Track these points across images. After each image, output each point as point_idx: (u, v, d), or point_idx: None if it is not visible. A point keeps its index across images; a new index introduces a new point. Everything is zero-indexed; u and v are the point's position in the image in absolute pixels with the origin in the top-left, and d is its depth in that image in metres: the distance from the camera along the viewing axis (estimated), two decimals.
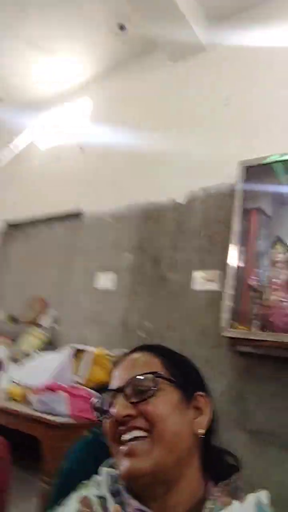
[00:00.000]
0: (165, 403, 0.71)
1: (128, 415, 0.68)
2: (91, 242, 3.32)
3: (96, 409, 0.75)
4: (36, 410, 2.07)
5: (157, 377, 0.72)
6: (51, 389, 2.14)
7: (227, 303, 2.25)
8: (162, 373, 0.74)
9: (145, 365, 0.76)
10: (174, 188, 2.89)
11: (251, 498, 0.65)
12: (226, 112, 2.84)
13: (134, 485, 0.67)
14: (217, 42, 3.00)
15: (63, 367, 2.43)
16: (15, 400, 2.28)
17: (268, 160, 2.40)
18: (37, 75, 3.93)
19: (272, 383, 2.11)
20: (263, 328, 2.17)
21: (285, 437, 1.99)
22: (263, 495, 0.67)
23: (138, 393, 0.71)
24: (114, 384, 0.76)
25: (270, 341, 2.03)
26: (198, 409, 0.77)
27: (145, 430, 0.68)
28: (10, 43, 3.50)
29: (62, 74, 3.89)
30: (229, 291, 2.26)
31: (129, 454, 0.66)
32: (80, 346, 2.67)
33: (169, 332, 2.60)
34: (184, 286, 2.63)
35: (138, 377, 0.72)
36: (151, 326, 2.70)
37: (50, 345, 3.11)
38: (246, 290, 2.35)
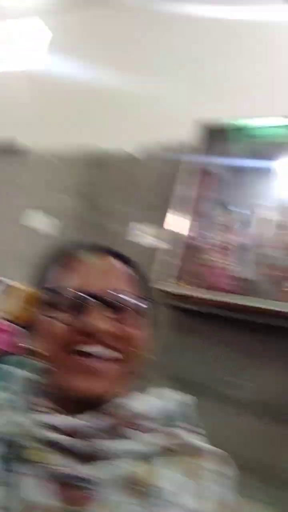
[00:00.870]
0: (146, 330, 0.68)
1: (107, 331, 0.61)
2: (28, 180, 3.03)
3: (51, 304, 0.64)
4: None
5: (143, 298, 0.68)
6: None
7: (166, 259, 2.25)
8: (146, 295, 0.70)
9: (123, 277, 0.70)
10: (125, 137, 2.75)
11: (168, 392, 0.67)
12: (192, 65, 2.75)
13: (73, 399, 0.60)
14: None
15: None
16: None
17: (227, 124, 2.40)
18: None
19: (202, 338, 2.20)
20: (200, 286, 2.23)
21: (215, 388, 2.10)
22: (188, 398, 0.68)
23: (119, 310, 0.64)
24: (81, 287, 0.64)
25: (209, 299, 2.10)
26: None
27: (117, 352, 0.62)
28: None
29: None
30: (169, 247, 2.27)
31: (91, 372, 0.59)
32: (11, 282, 2.48)
33: None
34: (123, 238, 2.56)
35: (124, 293, 0.65)
36: None
37: None
38: (187, 249, 2.38)
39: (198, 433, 0.64)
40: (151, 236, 2.49)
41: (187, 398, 0.68)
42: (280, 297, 2.07)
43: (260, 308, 1.99)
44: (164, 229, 2.47)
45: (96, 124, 2.89)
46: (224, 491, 0.60)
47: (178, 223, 2.34)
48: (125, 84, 2.84)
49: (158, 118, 2.68)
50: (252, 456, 1.93)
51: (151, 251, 2.43)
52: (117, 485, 0.53)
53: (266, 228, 2.23)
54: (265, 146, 2.38)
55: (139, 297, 0.68)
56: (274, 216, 2.23)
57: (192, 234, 2.36)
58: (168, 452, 0.58)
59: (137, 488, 0.53)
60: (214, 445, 1.85)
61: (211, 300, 2.10)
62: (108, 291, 0.64)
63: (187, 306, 2.21)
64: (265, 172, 2.35)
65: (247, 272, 2.20)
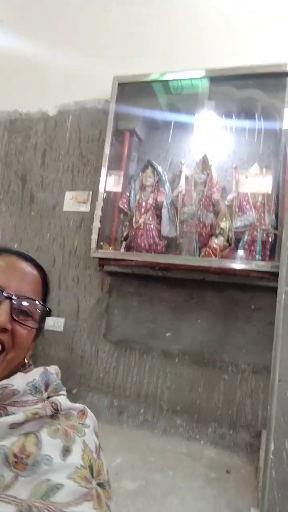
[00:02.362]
0: (31, 333, 0.72)
1: (5, 328, 0.67)
2: None
3: None
4: None
5: (42, 310, 0.74)
6: None
7: (96, 225, 2.27)
8: (44, 306, 0.76)
9: (34, 286, 0.75)
10: (45, 99, 2.63)
11: (38, 368, 0.72)
12: (106, 20, 2.59)
13: None
14: None
15: None
16: None
17: (147, 79, 2.33)
18: None
19: (136, 298, 2.30)
20: (130, 249, 2.29)
21: (144, 343, 2.24)
22: (51, 367, 0.74)
23: (21, 312, 0.70)
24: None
25: (136, 260, 2.16)
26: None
27: (2, 346, 0.67)
28: None
29: None
30: (99, 212, 2.27)
31: None
32: None
33: (38, 253, 2.54)
34: (54, 206, 2.54)
35: (29, 300, 0.71)
36: (19, 247, 2.59)
37: None
38: (116, 212, 2.40)
39: (63, 393, 0.71)
40: (81, 202, 2.48)
41: (52, 369, 0.74)
42: (206, 252, 2.16)
43: (187, 265, 2.08)
44: (91, 193, 2.46)
45: (14, 89, 2.72)
46: (93, 437, 0.67)
47: (105, 185, 2.33)
48: (40, 44, 2.66)
49: (77, 78, 2.55)
50: (184, 399, 2.13)
51: (86, 216, 2.44)
52: (0, 458, 0.56)
53: (189, 185, 2.27)
54: (184, 101, 2.35)
55: (41, 303, 0.75)
56: (197, 173, 2.26)
57: (119, 197, 2.38)
58: (46, 420, 0.63)
59: (19, 460, 0.56)
60: (155, 392, 2.02)
61: (142, 261, 2.16)
62: (19, 292, 0.71)
63: (121, 269, 2.27)
64: (185, 128, 2.34)
65: (172, 231, 2.26)
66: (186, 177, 2.28)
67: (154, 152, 2.43)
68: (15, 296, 0.70)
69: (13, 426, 0.59)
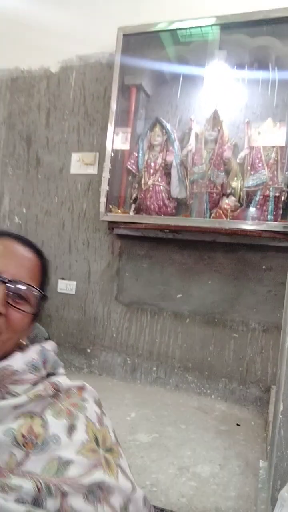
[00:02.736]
0: (27, 317, 0.72)
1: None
2: None
3: None
4: None
5: (38, 295, 0.73)
6: None
7: (104, 188, 2.23)
8: (41, 292, 0.74)
9: (31, 271, 0.75)
10: (47, 54, 2.50)
11: (35, 346, 0.73)
12: None
13: None
14: None
15: None
16: None
17: (154, 28, 2.19)
18: None
19: (146, 260, 2.31)
20: (139, 211, 2.26)
21: (155, 305, 2.28)
22: (47, 344, 0.75)
23: (16, 297, 0.70)
24: None
25: (145, 223, 2.14)
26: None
27: None
28: None
29: None
30: (107, 175, 2.23)
31: None
32: None
33: (48, 217, 2.53)
34: (61, 169, 2.50)
35: (26, 285, 0.71)
36: (27, 212, 2.58)
37: None
38: (124, 174, 2.35)
39: (61, 371, 0.73)
40: (88, 164, 2.43)
41: (48, 345, 0.75)
42: (216, 213, 2.13)
43: (197, 227, 2.05)
44: (98, 154, 2.40)
45: (14, 45, 2.58)
46: (94, 409, 0.70)
47: (112, 144, 2.26)
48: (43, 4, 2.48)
49: (79, 31, 2.41)
50: (195, 356, 2.19)
51: (94, 179, 2.40)
52: (9, 439, 0.59)
53: (199, 143, 2.19)
54: (194, 51, 2.21)
55: (37, 289, 0.74)
56: (207, 130, 2.18)
57: (127, 157, 2.32)
58: (49, 400, 0.66)
59: (29, 441, 0.59)
60: (167, 351, 2.07)
61: (151, 224, 2.14)
62: (16, 276, 0.70)
63: (131, 232, 2.26)
64: (194, 81, 2.22)
65: (182, 192, 2.22)
66: (196, 135, 2.20)
67: (163, 108, 2.33)
68: (11, 281, 0.70)
69: (17, 407, 0.62)
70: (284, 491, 0.88)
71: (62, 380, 0.69)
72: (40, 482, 0.54)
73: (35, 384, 0.67)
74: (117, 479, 0.61)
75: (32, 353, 0.70)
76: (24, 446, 0.58)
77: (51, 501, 0.54)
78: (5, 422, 0.61)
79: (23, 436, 0.59)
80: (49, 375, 0.71)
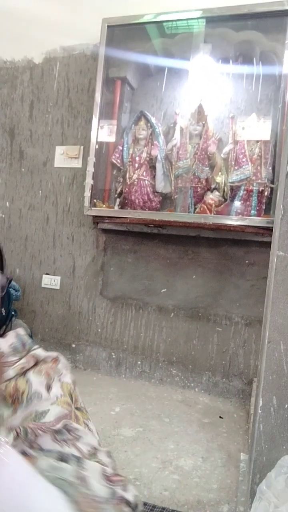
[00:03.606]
0: None
1: None
2: None
3: None
4: None
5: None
6: None
7: (89, 182, 2.21)
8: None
9: None
10: (30, 45, 2.44)
11: (10, 333, 0.79)
12: None
13: None
14: None
15: None
16: None
17: (139, 20, 2.15)
18: None
19: (131, 255, 2.31)
20: (124, 205, 2.25)
21: (140, 299, 2.28)
22: (20, 330, 0.81)
23: None
24: None
25: (130, 218, 2.14)
26: None
27: None
28: None
29: None
30: (91, 169, 2.21)
31: None
32: None
33: (31, 211, 2.50)
34: (44, 162, 2.47)
35: None
36: (10, 206, 2.55)
37: None
38: (109, 167, 2.34)
39: (38, 347, 0.80)
40: (72, 158, 2.40)
41: (21, 330, 0.82)
42: (201, 208, 2.13)
43: (182, 222, 2.05)
44: (83, 148, 2.38)
45: None
46: (68, 375, 0.77)
47: (96, 137, 2.23)
48: None
49: (63, 21, 2.35)
50: (179, 350, 2.21)
51: (78, 172, 2.38)
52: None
53: (184, 137, 2.18)
54: (179, 44, 2.19)
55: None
56: (192, 125, 2.17)
57: (111, 150, 2.30)
58: (32, 367, 0.75)
59: (15, 398, 0.67)
60: (152, 345, 2.08)
61: (136, 219, 2.13)
62: None
63: (116, 227, 2.25)
64: (179, 75, 2.20)
65: (167, 186, 2.21)
66: (181, 129, 2.19)
67: (147, 102, 2.31)
68: None
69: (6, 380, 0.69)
70: (262, 484, 0.90)
71: (39, 351, 0.76)
72: (19, 428, 0.59)
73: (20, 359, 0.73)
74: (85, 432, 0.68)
75: (11, 338, 0.76)
76: (12, 403, 0.65)
77: (27, 443, 0.59)
78: None
79: (11, 395, 0.65)
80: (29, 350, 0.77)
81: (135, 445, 1.61)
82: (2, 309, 0.89)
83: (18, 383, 0.68)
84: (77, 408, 0.71)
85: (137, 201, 2.21)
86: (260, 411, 0.95)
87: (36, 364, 0.74)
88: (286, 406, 0.92)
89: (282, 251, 0.94)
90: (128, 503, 0.57)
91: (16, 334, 0.79)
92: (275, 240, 1.00)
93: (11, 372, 0.70)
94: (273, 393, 0.94)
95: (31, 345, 0.79)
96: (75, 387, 0.75)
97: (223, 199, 2.12)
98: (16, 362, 0.73)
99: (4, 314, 0.90)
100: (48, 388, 0.69)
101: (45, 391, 0.68)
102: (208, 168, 2.15)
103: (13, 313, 1.00)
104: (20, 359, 0.74)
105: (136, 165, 2.24)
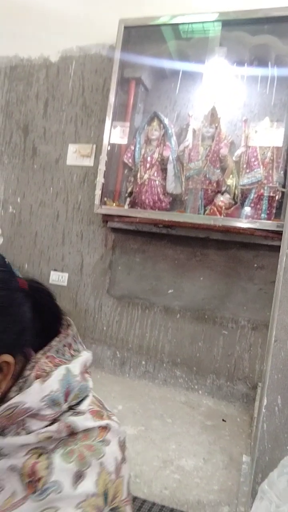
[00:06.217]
0: None
1: None
2: None
3: None
4: None
5: None
6: None
7: (100, 180, 2.22)
8: None
9: None
10: (47, 43, 2.48)
11: (59, 370, 0.61)
12: None
13: None
14: None
15: None
16: None
17: (156, 22, 2.17)
18: None
19: (139, 255, 2.31)
20: (134, 205, 2.26)
21: (146, 299, 2.28)
22: (78, 362, 0.62)
23: None
24: None
25: (140, 217, 2.14)
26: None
27: None
28: None
29: None
30: (103, 167, 2.22)
31: None
32: None
33: (42, 208, 2.52)
34: (57, 160, 2.49)
35: None
36: (22, 201, 2.57)
37: None
38: (120, 167, 2.35)
39: (83, 411, 0.60)
40: (84, 156, 2.42)
41: (77, 364, 0.62)
42: (211, 210, 2.13)
43: (191, 223, 2.06)
44: (95, 146, 2.39)
45: (14, 33, 2.55)
46: (119, 457, 0.60)
47: (109, 137, 2.25)
48: None
49: (80, 21, 2.38)
50: (184, 352, 2.20)
51: (90, 171, 2.40)
52: (11, 478, 0.54)
53: (196, 139, 2.19)
54: (194, 47, 2.20)
55: None
56: (204, 127, 2.17)
57: (123, 150, 2.31)
58: (61, 442, 0.56)
59: (32, 482, 0.53)
60: (156, 345, 2.08)
61: (146, 219, 2.14)
62: None
63: (125, 226, 2.25)
64: (194, 77, 2.21)
65: (178, 188, 2.22)
66: (194, 131, 2.20)
67: (161, 103, 2.32)
68: None
69: (24, 446, 0.55)
70: (264, 484, 0.89)
71: (81, 421, 0.57)
72: None
73: (53, 421, 0.57)
74: None
75: (53, 382, 0.58)
76: (27, 486, 0.52)
77: None
78: (13, 457, 0.55)
79: (28, 475, 0.53)
80: (71, 408, 0.59)
81: (136, 444, 1.60)
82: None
83: (38, 464, 0.53)
84: (113, 509, 0.55)
85: (147, 201, 2.21)
86: (264, 410, 0.95)
87: (70, 436, 0.56)
88: None
89: None
90: None
91: (64, 376, 0.58)
92: (285, 240, 1.00)
93: (31, 437, 0.54)
94: (278, 392, 0.93)
95: (81, 392, 0.60)
96: (122, 468, 0.57)
97: (233, 202, 2.12)
98: (50, 418, 0.56)
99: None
100: (79, 477, 0.53)
101: (69, 484, 0.52)
102: (219, 171, 2.15)
103: None
104: (57, 415, 0.56)
105: (148, 165, 2.25)
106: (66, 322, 0.69)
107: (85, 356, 0.64)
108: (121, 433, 0.61)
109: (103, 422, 0.59)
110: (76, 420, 0.57)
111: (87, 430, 0.57)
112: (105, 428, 0.58)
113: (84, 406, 0.60)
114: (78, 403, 0.60)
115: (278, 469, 0.88)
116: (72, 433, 0.56)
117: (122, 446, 0.60)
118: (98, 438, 0.57)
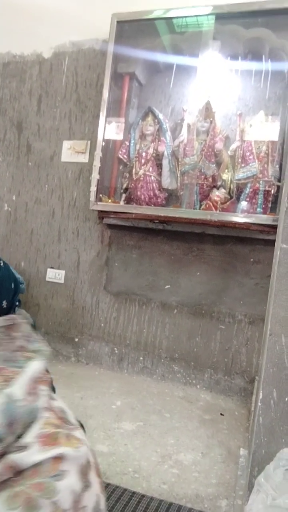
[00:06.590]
0: None
1: None
2: None
3: None
4: None
5: None
6: None
7: (95, 177, 2.22)
8: None
9: None
10: (40, 39, 2.46)
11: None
12: None
13: None
14: None
15: None
16: None
17: (149, 16, 2.16)
18: None
19: (136, 251, 2.31)
20: (130, 201, 2.25)
21: (143, 295, 2.28)
22: (17, 386, 0.54)
23: None
24: None
25: (135, 213, 2.14)
26: None
27: None
28: None
29: None
30: (97, 164, 2.21)
31: None
32: None
33: (37, 205, 2.51)
34: (51, 157, 2.48)
35: None
36: (17, 199, 2.56)
37: None
38: (115, 163, 2.34)
39: (29, 444, 0.52)
40: (79, 152, 2.41)
41: (15, 392, 0.54)
42: (206, 205, 2.13)
43: (187, 218, 2.05)
44: (89, 142, 2.38)
45: (6, 29, 2.53)
46: (78, 488, 0.52)
47: (103, 133, 2.23)
48: None
49: (73, 16, 2.36)
50: (182, 347, 2.21)
51: (85, 167, 2.38)
52: None
53: (191, 134, 2.18)
54: (188, 41, 2.19)
55: None
56: (199, 121, 2.16)
57: (118, 146, 2.30)
58: (6, 484, 0.49)
59: None
60: (154, 341, 2.08)
61: (142, 214, 2.13)
62: None
63: (121, 222, 2.25)
64: (188, 71, 2.20)
65: (173, 183, 2.21)
66: (188, 126, 2.19)
67: (155, 98, 2.31)
68: None
69: None
70: (260, 477, 0.89)
71: (27, 455, 0.49)
72: None
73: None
74: None
75: None
76: None
77: None
78: None
79: None
80: (19, 436, 0.52)
81: (135, 439, 1.61)
82: (4, 302, 0.83)
83: None
84: None
85: (142, 197, 2.21)
86: (260, 404, 0.95)
87: (16, 474, 0.48)
88: (286, 399, 0.92)
89: (286, 244, 0.94)
90: None
91: (6, 403, 0.51)
92: (280, 233, 1.00)
93: None
94: (274, 386, 0.94)
95: (31, 416, 0.52)
96: (83, 498, 0.51)
97: (229, 197, 2.12)
98: None
99: (5, 306, 0.81)
100: None
101: None
102: (214, 165, 2.14)
103: (17, 303, 0.96)
104: (2, 452, 0.49)
105: (143, 160, 2.24)
106: (12, 321, 0.62)
107: (33, 366, 0.56)
108: (81, 458, 0.52)
109: (55, 452, 0.50)
110: (21, 457, 0.49)
111: (36, 465, 0.49)
112: (59, 459, 0.50)
113: (31, 435, 0.52)
114: (24, 431, 0.51)
115: (274, 462, 0.89)
116: (18, 472, 0.48)
117: (84, 471, 0.52)
118: (51, 473, 0.49)
